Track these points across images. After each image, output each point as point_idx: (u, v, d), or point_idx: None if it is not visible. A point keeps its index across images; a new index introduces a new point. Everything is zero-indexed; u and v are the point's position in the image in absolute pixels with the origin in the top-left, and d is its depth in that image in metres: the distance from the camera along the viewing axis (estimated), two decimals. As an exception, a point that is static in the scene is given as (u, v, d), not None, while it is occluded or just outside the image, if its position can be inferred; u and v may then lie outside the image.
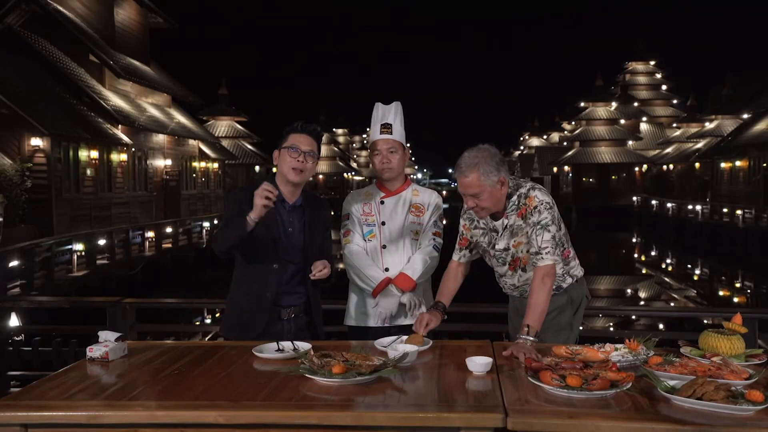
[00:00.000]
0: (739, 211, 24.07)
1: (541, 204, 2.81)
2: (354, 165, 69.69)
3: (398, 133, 3.22)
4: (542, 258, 2.78)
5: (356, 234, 3.25)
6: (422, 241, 3.24)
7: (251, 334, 2.87)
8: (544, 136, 62.66)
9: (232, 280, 3.01)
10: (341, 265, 3.37)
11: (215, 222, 22.20)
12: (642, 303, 16.66)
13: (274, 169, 3.00)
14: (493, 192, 2.78)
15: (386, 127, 3.20)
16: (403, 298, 3.11)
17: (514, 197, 2.86)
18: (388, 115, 3.23)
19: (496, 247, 2.94)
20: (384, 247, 3.23)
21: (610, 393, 2.06)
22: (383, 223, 3.24)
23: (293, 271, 2.94)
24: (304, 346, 2.61)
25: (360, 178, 69.34)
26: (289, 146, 2.88)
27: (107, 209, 19.47)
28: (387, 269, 3.20)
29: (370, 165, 3.38)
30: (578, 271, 3.04)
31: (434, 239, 3.25)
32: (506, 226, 2.89)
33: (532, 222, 2.80)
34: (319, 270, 2.83)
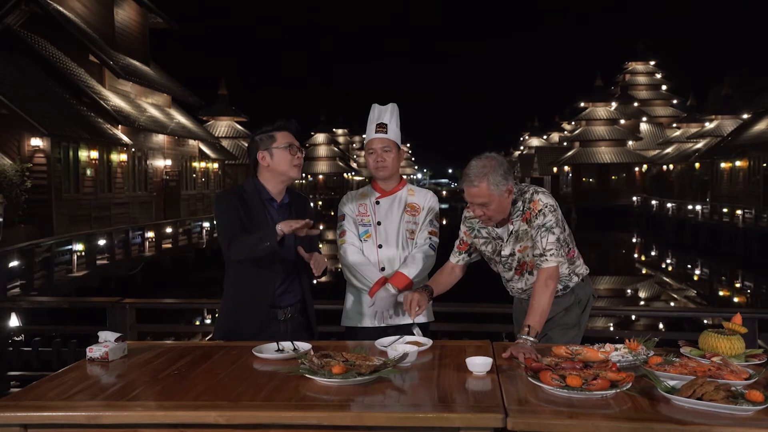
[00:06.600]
0: (738, 211, 24.08)
1: (546, 207, 2.82)
2: (354, 165, 69.69)
3: (393, 133, 3.24)
4: (546, 260, 2.78)
5: (352, 234, 3.26)
6: (418, 240, 3.26)
7: (247, 336, 2.86)
8: (544, 136, 62.64)
9: (225, 283, 2.99)
10: (338, 265, 3.37)
11: (215, 222, 22.10)
12: (642, 303, 16.67)
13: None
14: (501, 201, 2.79)
15: (381, 127, 3.23)
16: (400, 297, 3.11)
17: (519, 203, 2.87)
18: (384, 115, 3.26)
19: (502, 253, 2.95)
20: (380, 246, 3.24)
21: (610, 393, 2.06)
22: (379, 223, 3.25)
23: (289, 270, 2.95)
24: (303, 346, 2.62)
25: (360, 178, 69.32)
26: (286, 146, 2.93)
27: (107, 209, 19.46)
28: (383, 269, 3.21)
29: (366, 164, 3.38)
30: (583, 270, 3.06)
31: (430, 238, 3.26)
32: (511, 232, 2.90)
33: (537, 225, 2.81)
34: (319, 265, 2.84)
